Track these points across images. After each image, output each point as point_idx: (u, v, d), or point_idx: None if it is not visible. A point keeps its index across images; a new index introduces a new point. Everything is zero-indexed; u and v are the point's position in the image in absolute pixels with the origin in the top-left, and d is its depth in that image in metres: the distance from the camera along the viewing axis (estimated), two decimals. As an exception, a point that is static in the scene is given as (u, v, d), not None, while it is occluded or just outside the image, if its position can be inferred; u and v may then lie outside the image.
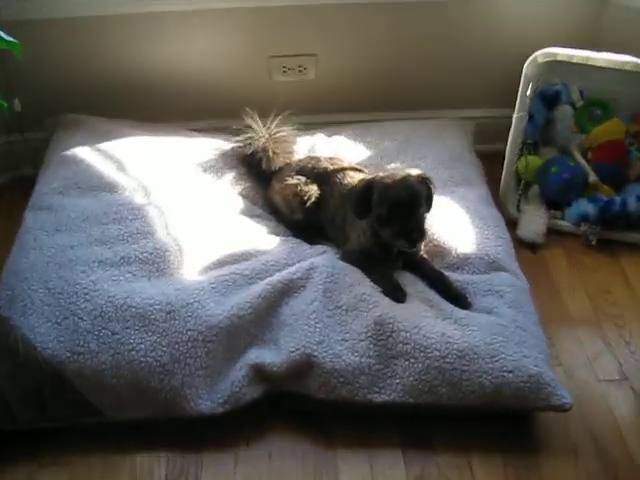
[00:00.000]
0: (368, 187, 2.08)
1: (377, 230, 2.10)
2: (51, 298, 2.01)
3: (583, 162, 2.62)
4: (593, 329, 2.24)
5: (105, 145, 2.49)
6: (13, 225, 2.31)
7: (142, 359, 1.91)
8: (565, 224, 2.58)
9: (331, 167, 2.35)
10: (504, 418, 1.95)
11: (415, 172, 2.11)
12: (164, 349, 1.92)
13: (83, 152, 2.46)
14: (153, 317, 1.97)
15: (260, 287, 2.07)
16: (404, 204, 2.03)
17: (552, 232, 2.56)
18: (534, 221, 2.55)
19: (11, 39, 1.97)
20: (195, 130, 2.74)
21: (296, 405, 1.98)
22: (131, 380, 1.90)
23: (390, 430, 1.95)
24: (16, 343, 1.92)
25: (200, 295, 2.02)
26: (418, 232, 2.05)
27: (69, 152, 2.45)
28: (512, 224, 2.51)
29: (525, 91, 2.43)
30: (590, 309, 2.31)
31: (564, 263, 2.49)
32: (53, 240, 2.18)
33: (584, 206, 2.52)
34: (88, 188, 2.34)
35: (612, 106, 2.70)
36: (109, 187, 2.34)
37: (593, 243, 2.50)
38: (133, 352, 1.92)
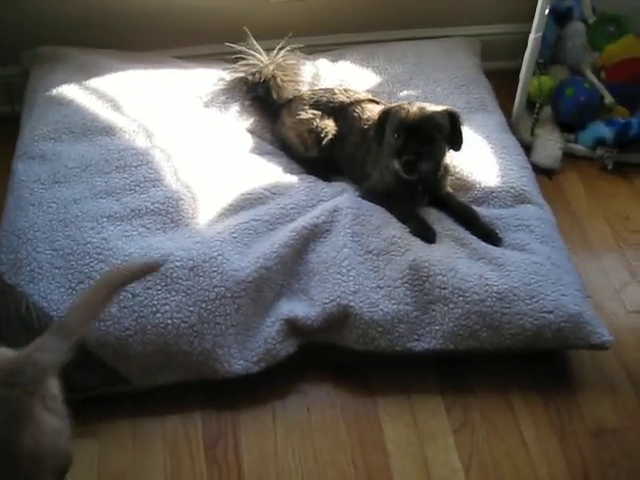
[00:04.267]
0: (386, 112, 2.03)
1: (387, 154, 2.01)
2: (61, 260, 1.85)
3: (597, 82, 2.52)
4: (617, 258, 2.21)
5: (94, 81, 2.27)
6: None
7: (168, 321, 1.79)
8: (580, 148, 2.49)
9: (347, 100, 2.20)
10: (538, 355, 1.92)
11: (441, 108, 2.00)
12: (191, 309, 1.81)
13: (71, 90, 2.25)
14: (175, 275, 1.84)
15: (284, 234, 1.95)
16: (412, 126, 1.94)
17: (565, 156, 2.47)
18: (549, 146, 2.45)
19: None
20: (184, 58, 2.52)
21: (329, 356, 1.90)
22: (159, 345, 1.78)
23: (427, 375, 1.91)
24: (29, 313, 1.77)
25: (222, 247, 1.90)
26: (417, 157, 1.93)
27: (55, 91, 2.23)
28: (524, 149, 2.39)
29: (544, 9, 2.28)
30: (611, 237, 2.27)
31: (581, 189, 2.42)
32: (52, 194, 1.99)
33: (600, 129, 2.43)
34: (82, 132, 2.14)
35: (626, 22, 2.56)
36: (106, 130, 2.14)
37: (609, 167, 2.43)
38: (158, 315, 1.79)
